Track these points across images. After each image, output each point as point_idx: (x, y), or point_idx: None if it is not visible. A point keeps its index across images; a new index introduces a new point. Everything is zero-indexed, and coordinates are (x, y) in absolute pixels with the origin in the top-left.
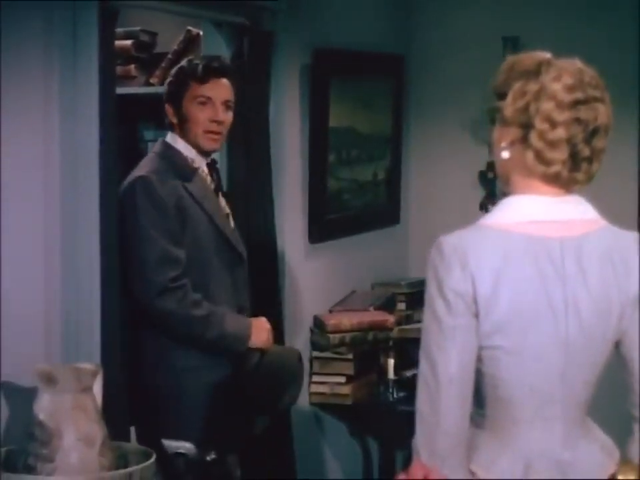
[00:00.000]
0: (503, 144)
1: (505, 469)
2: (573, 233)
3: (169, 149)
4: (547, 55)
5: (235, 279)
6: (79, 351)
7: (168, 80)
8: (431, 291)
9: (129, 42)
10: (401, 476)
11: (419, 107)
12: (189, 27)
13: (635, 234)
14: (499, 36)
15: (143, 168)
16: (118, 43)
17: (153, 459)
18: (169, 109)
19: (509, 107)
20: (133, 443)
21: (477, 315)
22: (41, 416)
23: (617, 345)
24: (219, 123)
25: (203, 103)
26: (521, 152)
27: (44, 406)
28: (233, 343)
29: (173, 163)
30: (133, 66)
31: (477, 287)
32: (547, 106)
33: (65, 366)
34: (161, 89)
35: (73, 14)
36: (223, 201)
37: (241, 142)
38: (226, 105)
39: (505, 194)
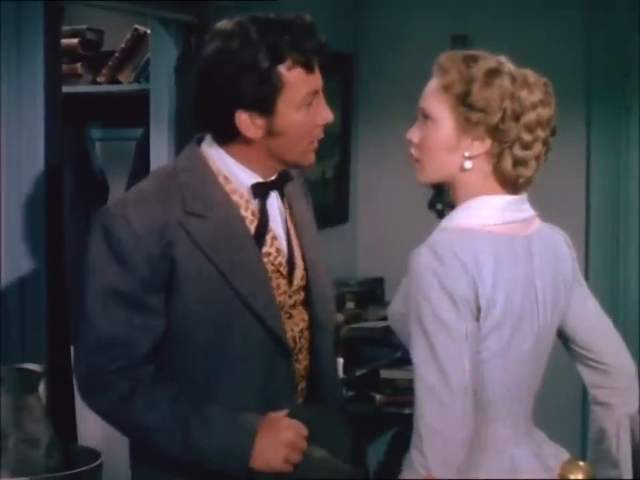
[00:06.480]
0: (467, 154)
1: (492, 469)
2: (530, 231)
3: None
4: (503, 60)
5: (270, 374)
6: (24, 352)
7: (237, 73)
8: (434, 298)
9: (75, 40)
10: None
11: (368, 105)
12: (136, 26)
13: (559, 228)
14: (447, 34)
15: None
16: (64, 41)
17: (100, 460)
18: (250, 118)
19: (480, 122)
20: (80, 444)
21: (477, 319)
22: None
23: (561, 332)
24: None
25: (309, 104)
26: (487, 161)
27: None
28: (222, 462)
29: None
30: (79, 64)
31: (479, 290)
32: (524, 121)
33: (10, 367)
34: (112, 88)
35: (17, 11)
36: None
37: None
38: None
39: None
